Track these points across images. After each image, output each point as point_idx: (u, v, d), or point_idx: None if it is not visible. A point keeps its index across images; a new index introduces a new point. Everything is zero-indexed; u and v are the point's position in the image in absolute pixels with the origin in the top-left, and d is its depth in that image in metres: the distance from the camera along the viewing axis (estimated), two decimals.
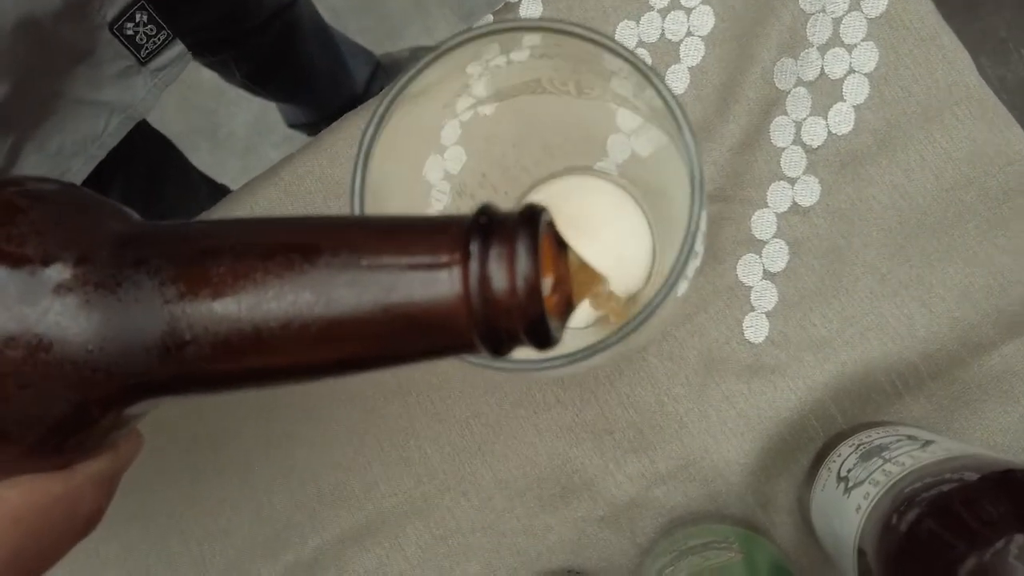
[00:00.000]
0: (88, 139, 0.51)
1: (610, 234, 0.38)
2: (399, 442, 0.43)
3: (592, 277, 0.24)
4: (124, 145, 0.55)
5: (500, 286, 0.19)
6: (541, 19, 0.26)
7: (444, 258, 0.19)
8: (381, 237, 0.20)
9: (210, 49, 0.72)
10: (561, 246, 0.22)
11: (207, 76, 0.80)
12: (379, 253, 0.19)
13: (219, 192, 0.70)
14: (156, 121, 0.73)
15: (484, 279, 0.19)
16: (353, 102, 0.76)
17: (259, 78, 0.81)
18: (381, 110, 0.26)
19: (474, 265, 0.19)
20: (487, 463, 0.42)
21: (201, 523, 0.44)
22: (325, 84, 0.87)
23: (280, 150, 1.02)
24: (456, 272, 0.19)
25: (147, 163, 0.62)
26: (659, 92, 0.25)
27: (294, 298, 0.19)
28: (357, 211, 0.26)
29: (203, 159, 1.04)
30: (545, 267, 0.20)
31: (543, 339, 0.20)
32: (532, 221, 0.20)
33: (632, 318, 0.23)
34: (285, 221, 0.21)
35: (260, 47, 0.75)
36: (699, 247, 0.31)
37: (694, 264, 0.31)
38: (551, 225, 0.21)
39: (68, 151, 0.50)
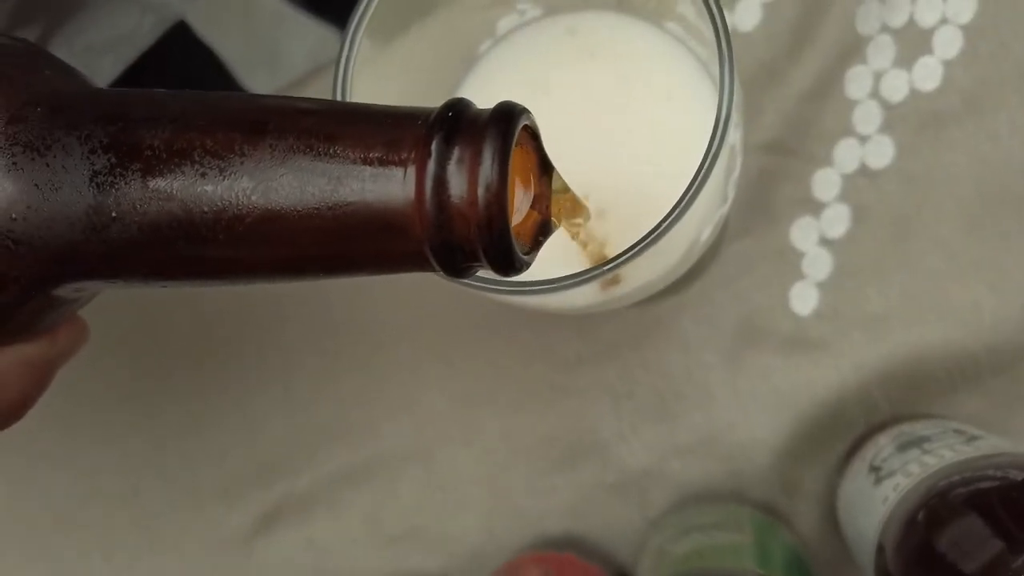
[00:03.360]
0: (120, 38, 0.49)
1: (669, 100, 0.30)
2: (405, 382, 0.40)
3: (572, 207, 0.21)
4: (163, 53, 0.53)
5: (458, 192, 0.17)
6: None
7: (402, 154, 0.17)
8: (337, 123, 0.17)
9: None
10: (544, 164, 0.19)
11: (269, 1, 0.77)
12: (331, 141, 0.17)
13: None
14: (215, 45, 0.70)
15: (441, 182, 0.17)
16: None
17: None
18: None
19: (432, 165, 0.17)
20: (495, 414, 0.39)
21: (198, 443, 0.43)
22: None
23: None
24: (412, 172, 0.17)
25: (187, 74, 0.60)
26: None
27: (230, 183, 0.17)
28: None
29: (260, 85, 1.02)
30: (516, 177, 0.18)
31: (505, 261, 0.17)
32: (506, 121, 0.17)
33: (631, 247, 0.19)
34: (238, 97, 0.19)
35: None
36: (730, 191, 0.27)
37: (721, 211, 0.27)
38: (533, 134, 0.19)
39: (98, 49, 0.48)
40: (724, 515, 0.32)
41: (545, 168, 0.19)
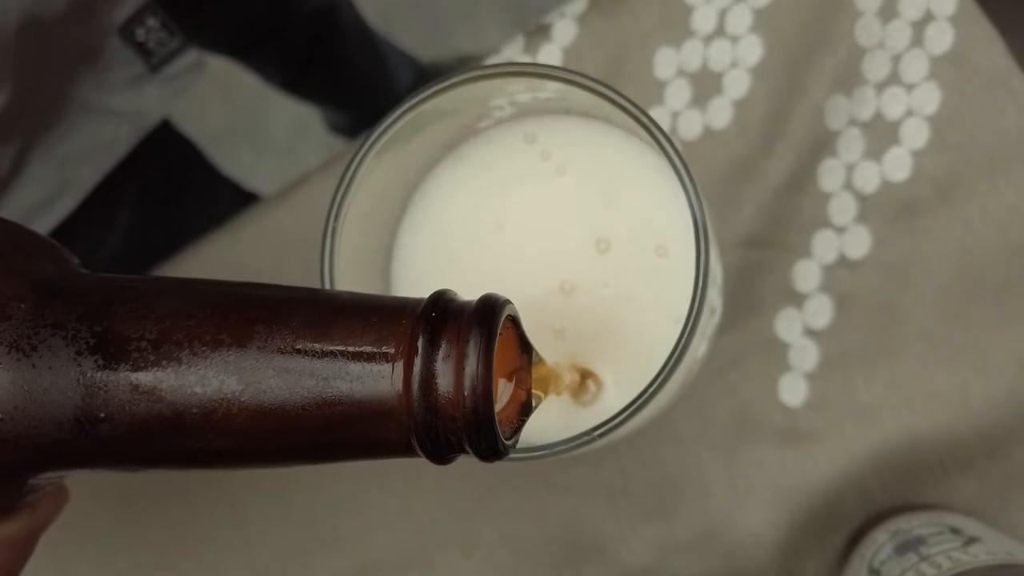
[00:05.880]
0: (96, 147, 0.49)
1: (654, 238, 0.27)
2: (399, 488, 0.40)
3: (552, 379, 0.21)
4: (142, 150, 0.54)
5: (444, 389, 0.17)
6: (554, 67, 0.23)
7: (388, 351, 0.17)
8: (323, 321, 0.18)
9: (243, 50, 0.70)
10: (524, 344, 0.20)
11: (248, 75, 0.79)
12: (318, 340, 0.17)
13: (243, 197, 0.68)
14: (194, 119, 0.71)
15: (427, 380, 0.17)
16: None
17: (296, 80, 0.79)
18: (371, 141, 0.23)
19: (418, 363, 0.17)
20: (492, 517, 0.39)
21: (193, 561, 0.42)
22: (365, 88, 0.85)
23: (320, 153, 1.01)
24: (399, 368, 0.17)
25: (167, 168, 0.60)
26: (667, 155, 0.22)
27: (219, 385, 0.17)
28: (327, 271, 0.23)
29: (241, 159, 1.02)
30: (500, 372, 0.18)
31: (490, 451, 0.18)
32: (489, 319, 0.17)
33: (628, 406, 0.20)
34: (225, 290, 0.19)
35: (296, 49, 0.73)
36: (716, 302, 0.27)
37: (712, 321, 0.27)
38: (514, 321, 0.19)
39: (75, 160, 0.48)
40: None
41: (525, 347, 0.20)
